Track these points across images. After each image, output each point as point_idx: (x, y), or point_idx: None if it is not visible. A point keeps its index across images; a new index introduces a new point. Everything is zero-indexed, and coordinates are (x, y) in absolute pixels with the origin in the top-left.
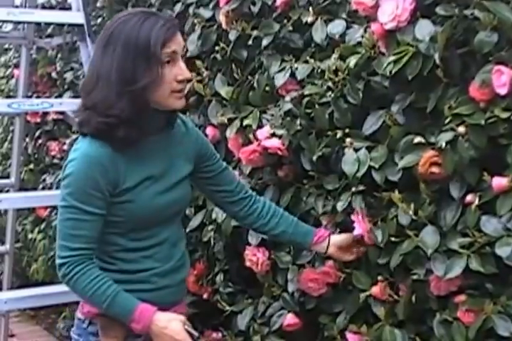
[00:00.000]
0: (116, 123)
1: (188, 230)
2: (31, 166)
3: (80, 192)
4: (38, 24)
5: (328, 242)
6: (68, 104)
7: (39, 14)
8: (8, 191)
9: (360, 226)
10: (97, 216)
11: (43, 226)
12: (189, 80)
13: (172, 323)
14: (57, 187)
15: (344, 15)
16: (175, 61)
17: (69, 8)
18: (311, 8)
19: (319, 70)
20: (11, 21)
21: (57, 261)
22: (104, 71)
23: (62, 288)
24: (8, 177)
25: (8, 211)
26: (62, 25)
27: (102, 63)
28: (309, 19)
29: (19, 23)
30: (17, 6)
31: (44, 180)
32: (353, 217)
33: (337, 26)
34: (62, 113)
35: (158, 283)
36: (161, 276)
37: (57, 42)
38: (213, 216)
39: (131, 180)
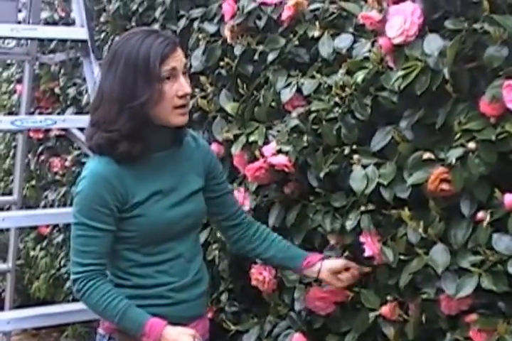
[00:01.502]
0: (117, 138)
1: None
2: (33, 182)
3: (87, 210)
4: (41, 40)
5: (320, 267)
6: (71, 121)
7: (42, 30)
8: (9, 208)
9: (370, 247)
10: (105, 232)
11: (44, 243)
12: (192, 96)
13: (182, 337)
14: (59, 205)
15: (351, 30)
16: (175, 77)
17: (72, 24)
18: (317, 23)
19: (326, 85)
20: (14, 37)
21: (71, 277)
22: (108, 88)
23: (65, 307)
24: (10, 193)
25: (10, 228)
26: (65, 40)
27: (105, 81)
28: (316, 33)
29: (22, 39)
30: (20, 22)
31: (46, 196)
32: (361, 238)
33: (344, 40)
34: (65, 129)
35: (175, 297)
36: (178, 291)
37: (61, 58)
38: (218, 234)
39: (140, 195)
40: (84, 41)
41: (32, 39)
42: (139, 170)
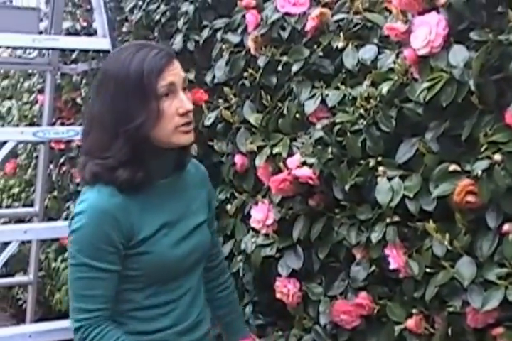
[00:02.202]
0: (113, 165)
1: None
2: (55, 193)
3: (90, 248)
4: (63, 50)
5: None
6: None
7: (64, 40)
8: (30, 220)
9: (396, 260)
10: (111, 272)
11: (66, 255)
12: (216, 107)
13: None
14: None
15: (375, 41)
16: (174, 93)
17: (94, 34)
18: (341, 34)
19: (351, 97)
20: (35, 48)
21: (73, 325)
22: (98, 112)
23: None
24: (31, 205)
25: (31, 240)
26: (87, 51)
27: (95, 105)
28: (340, 44)
29: (44, 49)
30: (41, 32)
31: (68, 207)
32: (387, 251)
33: (368, 52)
34: None
35: None
36: (183, 334)
37: (83, 68)
38: (242, 246)
39: (147, 230)
40: (106, 51)
41: (54, 49)
42: (143, 200)
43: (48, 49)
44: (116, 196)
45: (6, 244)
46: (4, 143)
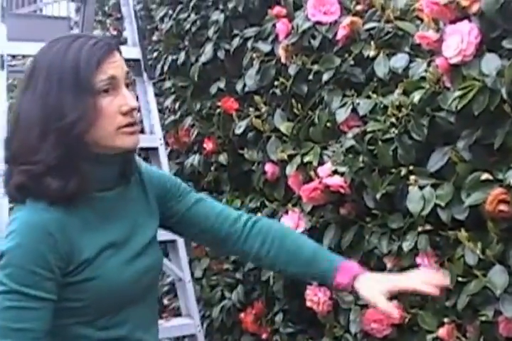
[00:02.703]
0: (41, 171)
1: (246, 269)
2: None
3: (22, 273)
4: None
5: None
6: None
7: None
8: None
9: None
10: (46, 302)
11: None
12: (246, 115)
13: None
14: None
15: (407, 49)
16: (116, 89)
17: (124, 43)
18: (372, 42)
19: (382, 106)
20: None
21: None
22: (25, 110)
23: None
24: None
25: None
26: None
27: (22, 103)
28: (371, 53)
29: None
30: None
31: None
32: (418, 259)
33: (400, 60)
34: None
35: None
36: None
37: None
38: None
39: (89, 250)
40: (137, 60)
41: None
42: (83, 216)
43: None
44: (51, 211)
45: None
46: None
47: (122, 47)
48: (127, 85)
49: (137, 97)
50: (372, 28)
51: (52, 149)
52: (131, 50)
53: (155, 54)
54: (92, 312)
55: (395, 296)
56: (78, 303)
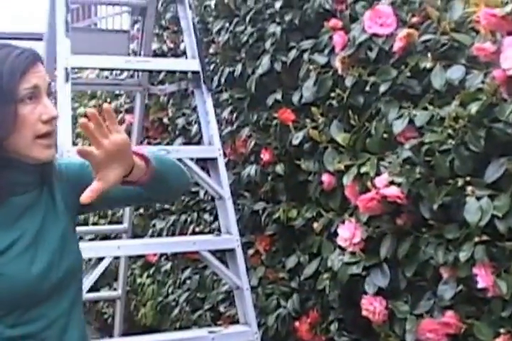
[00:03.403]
0: None
1: (302, 278)
2: (141, 211)
3: None
4: (154, 71)
5: None
6: (184, 151)
7: (155, 62)
8: (115, 236)
9: (484, 279)
10: None
11: (151, 271)
12: (303, 126)
13: None
14: (167, 234)
15: (463, 61)
16: (38, 98)
17: (181, 55)
18: (429, 54)
19: (438, 117)
20: (128, 69)
21: None
22: None
23: (173, 335)
24: (117, 222)
25: (120, 256)
26: (173, 72)
27: None
28: (428, 65)
29: (136, 70)
30: (129, 54)
31: (154, 225)
32: (475, 270)
33: (456, 72)
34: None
35: None
36: None
37: (172, 89)
38: (329, 264)
39: None
40: (196, 72)
41: (146, 71)
42: None
43: (140, 70)
44: None
45: (100, 259)
46: None
47: (181, 60)
48: (48, 94)
49: (193, 108)
50: (428, 40)
51: None
52: (190, 63)
53: (212, 66)
54: None
55: (450, 306)
56: None
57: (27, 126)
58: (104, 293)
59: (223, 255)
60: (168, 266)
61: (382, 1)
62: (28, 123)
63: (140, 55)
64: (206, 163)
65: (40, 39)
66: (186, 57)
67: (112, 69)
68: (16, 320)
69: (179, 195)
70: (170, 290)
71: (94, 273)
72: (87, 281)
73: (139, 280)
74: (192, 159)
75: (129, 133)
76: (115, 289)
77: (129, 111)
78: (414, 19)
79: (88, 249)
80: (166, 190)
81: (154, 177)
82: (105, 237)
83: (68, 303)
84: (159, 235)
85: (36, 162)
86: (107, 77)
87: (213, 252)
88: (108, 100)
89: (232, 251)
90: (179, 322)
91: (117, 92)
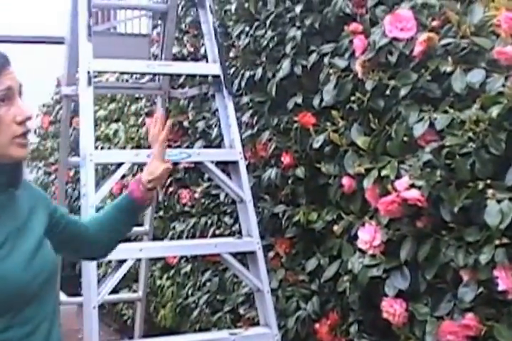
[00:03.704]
0: None
1: (322, 280)
2: (160, 213)
3: None
4: (175, 75)
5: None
6: (205, 155)
7: (177, 66)
8: (135, 239)
9: (504, 282)
10: None
11: (171, 273)
12: (323, 129)
13: None
14: (187, 237)
15: (483, 65)
16: (11, 100)
17: (201, 59)
18: (449, 58)
19: (459, 120)
20: (150, 73)
21: None
22: None
23: (195, 337)
24: (138, 224)
25: (141, 259)
26: (193, 75)
27: None
28: (448, 68)
29: (158, 74)
30: (150, 57)
31: (174, 227)
32: (496, 272)
33: (476, 75)
34: (199, 163)
35: None
36: None
37: (193, 93)
38: (349, 266)
39: None
40: (217, 76)
41: (167, 75)
42: None
43: (162, 74)
44: None
45: (121, 261)
46: (119, 164)
47: (202, 64)
48: (20, 95)
49: (214, 112)
50: (448, 44)
51: None
52: (212, 66)
53: (232, 70)
54: None
55: (470, 308)
56: None
57: (2, 127)
58: (125, 295)
59: (243, 257)
60: (188, 268)
61: (402, 5)
62: (3, 125)
63: (161, 58)
64: (227, 166)
65: (61, 43)
66: (207, 61)
67: (134, 73)
68: (7, 324)
69: (110, 250)
70: (190, 292)
71: (116, 275)
72: (110, 283)
73: (158, 282)
74: (213, 162)
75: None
76: (135, 291)
77: (149, 114)
78: (434, 23)
79: None
80: (125, 231)
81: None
82: (126, 239)
83: (51, 307)
84: (179, 237)
85: (11, 161)
86: (127, 81)
87: (234, 255)
88: (128, 103)
89: (253, 253)
90: (198, 324)
91: (137, 96)
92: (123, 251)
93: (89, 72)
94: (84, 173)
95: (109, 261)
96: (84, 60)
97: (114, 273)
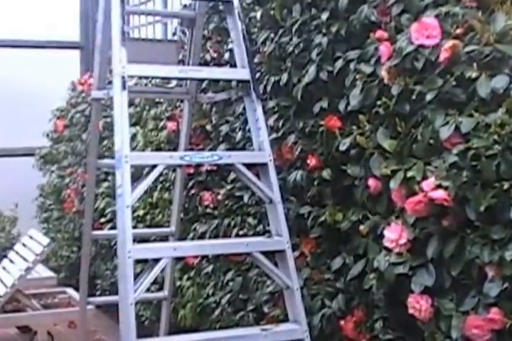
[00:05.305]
0: None
1: (348, 278)
2: (181, 215)
3: None
4: (203, 80)
5: None
6: (236, 157)
7: (207, 71)
8: (155, 239)
9: None
10: None
11: (191, 273)
12: (350, 133)
13: None
14: (209, 237)
15: (507, 71)
16: None
17: (224, 64)
18: (474, 64)
19: (484, 124)
20: (181, 78)
21: None
22: None
23: (227, 333)
24: (156, 226)
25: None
26: (217, 80)
27: None
28: (473, 74)
29: (189, 79)
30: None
31: (195, 229)
32: None
33: (500, 81)
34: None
35: None
36: None
37: (222, 97)
38: (375, 264)
39: None
40: (246, 81)
41: (199, 80)
42: None
43: (194, 79)
44: None
45: (156, 260)
46: (153, 167)
47: (232, 69)
48: None
49: (237, 116)
50: (472, 51)
51: None
52: (241, 72)
53: (257, 75)
54: None
55: (495, 303)
56: None
57: None
58: (153, 294)
59: (273, 256)
60: (210, 268)
61: (426, 13)
62: None
63: (188, 64)
64: (255, 168)
65: (76, 48)
66: (230, 66)
67: (167, 78)
68: None
69: None
70: (211, 292)
71: (151, 274)
72: (146, 281)
73: (178, 283)
74: (243, 164)
75: (168, 139)
76: (159, 290)
77: (170, 118)
78: (459, 31)
79: (146, 250)
80: None
81: None
82: (143, 240)
83: None
84: (200, 238)
85: None
86: (145, 85)
87: (263, 253)
88: (147, 108)
89: (282, 252)
90: (219, 323)
91: (157, 100)
92: (157, 250)
93: (123, 77)
94: (120, 175)
95: (137, 261)
96: (118, 64)
97: (149, 272)
